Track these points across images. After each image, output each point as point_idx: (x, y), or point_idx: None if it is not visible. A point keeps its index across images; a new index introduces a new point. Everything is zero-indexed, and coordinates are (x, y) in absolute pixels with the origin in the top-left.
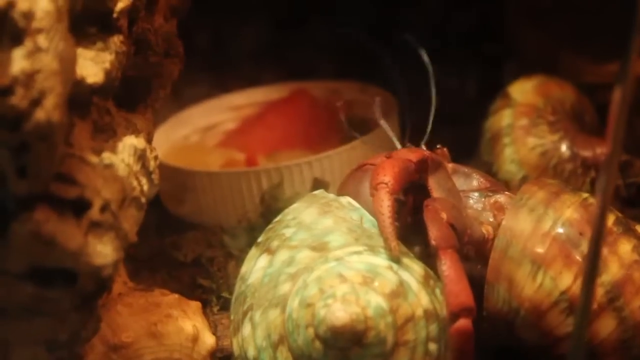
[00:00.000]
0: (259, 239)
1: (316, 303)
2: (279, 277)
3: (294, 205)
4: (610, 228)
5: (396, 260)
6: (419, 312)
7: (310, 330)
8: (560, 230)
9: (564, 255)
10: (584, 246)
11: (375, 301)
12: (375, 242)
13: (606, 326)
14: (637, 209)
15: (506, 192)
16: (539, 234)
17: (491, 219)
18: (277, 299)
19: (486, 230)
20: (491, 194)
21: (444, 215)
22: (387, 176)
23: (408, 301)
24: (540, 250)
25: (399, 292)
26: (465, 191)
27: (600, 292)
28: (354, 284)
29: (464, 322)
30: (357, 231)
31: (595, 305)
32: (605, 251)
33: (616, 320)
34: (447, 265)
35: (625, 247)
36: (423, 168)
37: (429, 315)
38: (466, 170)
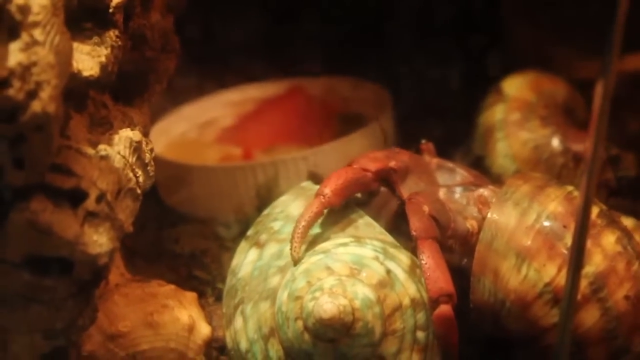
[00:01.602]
0: (248, 232)
1: (304, 296)
2: (269, 270)
3: (282, 198)
4: (594, 220)
5: (297, 259)
6: (406, 301)
7: (300, 323)
8: (545, 223)
9: (547, 248)
10: (568, 239)
11: (362, 292)
12: (361, 232)
13: (590, 317)
14: (627, 200)
15: (490, 186)
16: (524, 227)
17: (475, 214)
18: (267, 292)
19: (471, 224)
20: (475, 188)
21: (425, 208)
22: (328, 188)
23: (395, 291)
24: (524, 242)
25: (386, 282)
26: (450, 186)
27: (584, 284)
28: (341, 276)
29: (444, 308)
30: (343, 222)
31: (579, 296)
32: (589, 243)
33: (600, 310)
34: (426, 254)
35: (608, 238)
36: (384, 177)
37: (416, 303)
38: (450, 165)
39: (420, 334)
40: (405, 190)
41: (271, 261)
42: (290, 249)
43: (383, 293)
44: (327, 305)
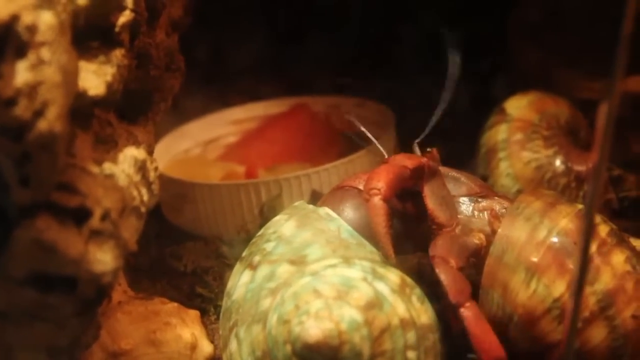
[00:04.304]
0: (243, 254)
1: (292, 320)
2: (260, 293)
3: (275, 218)
4: (604, 239)
5: (390, 267)
6: (395, 321)
7: (288, 347)
8: (555, 239)
9: (557, 264)
10: None
11: (349, 315)
12: (351, 252)
13: (597, 334)
14: (629, 221)
15: (496, 197)
16: (534, 242)
17: (482, 225)
18: (259, 315)
19: (478, 238)
20: (481, 199)
21: (452, 263)
22: (381, 182)
23: (384, 311)
24: (534, 258)
25: (374, 303)
26: (455, 196)
27: (592, 301)
28: (327, 299)
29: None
30: (334, 242)
31: (587, 313)
32: (598, 261)
33: (607, 328)
34: (471, 322)
35: (618, 257)
36: (419, 175)
37: (406, 323)
38: (455, 174)
39: (410, 354)
40: (428, 191)
41: (263, 283)
42: (388, 257)
43: (371, 314)
44: (312, 330)
